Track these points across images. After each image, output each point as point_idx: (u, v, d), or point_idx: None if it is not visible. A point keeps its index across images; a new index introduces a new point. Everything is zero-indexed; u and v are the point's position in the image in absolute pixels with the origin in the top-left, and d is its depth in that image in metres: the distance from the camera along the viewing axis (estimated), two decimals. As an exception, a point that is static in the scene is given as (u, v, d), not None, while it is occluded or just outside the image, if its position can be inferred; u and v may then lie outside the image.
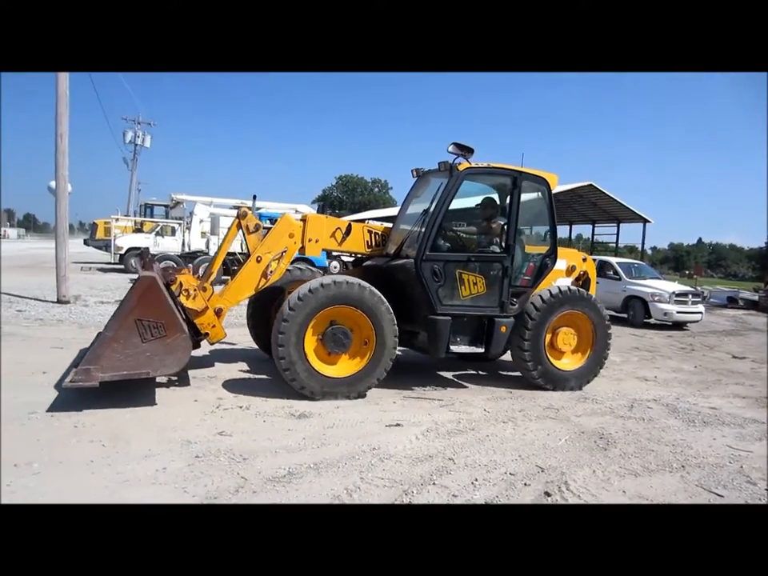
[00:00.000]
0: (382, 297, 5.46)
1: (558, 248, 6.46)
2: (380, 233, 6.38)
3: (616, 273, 14.39)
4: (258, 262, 5.62)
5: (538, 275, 6.27)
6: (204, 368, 6.22)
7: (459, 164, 5.86)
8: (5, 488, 3.12)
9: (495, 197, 6.58)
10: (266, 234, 5.80)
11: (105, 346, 4.48)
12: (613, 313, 14.48)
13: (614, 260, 15.46)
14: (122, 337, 4.50)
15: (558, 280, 6.68)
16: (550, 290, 6.17)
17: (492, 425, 4.88)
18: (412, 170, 6.72)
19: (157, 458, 3.68)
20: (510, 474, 3.81)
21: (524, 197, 6.13)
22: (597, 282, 14.17)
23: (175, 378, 5.61)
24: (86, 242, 26.02)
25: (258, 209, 16.10)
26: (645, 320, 13.57)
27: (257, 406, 4.92)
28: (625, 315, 13.94)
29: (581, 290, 6.40)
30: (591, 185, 25.98)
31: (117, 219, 21.90)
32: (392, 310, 5.47)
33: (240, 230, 5.86)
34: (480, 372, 7.18)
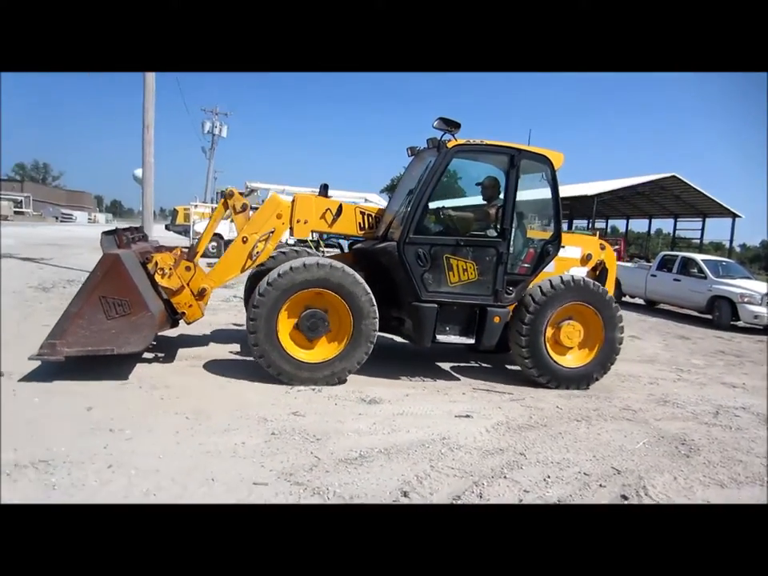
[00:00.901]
0: (358, 277, 5.18)
1: (574, 234, 6.04)
2: (373, 214, 6.10)
3: (701, 271, 13.55)
4: (244, 242, 5.54)
5: (538, 263, 5.80)
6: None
7: (448, 141, 5.48)
8: (102, 450, 3.37)
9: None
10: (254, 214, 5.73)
11: (70, 322, 4.52)
12: (696, 313, 13.75)
13: (698, 257, 14.57)
14: (86, 313, 4.55)
15: (572, 269, 6.22)
16: (551, 281, 5.68)
17: (565, 422, 4.75)
18: (407, 149, 6.39)
19: (236, 432, 3.85)
20: (585, 473, 3.70)
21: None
22: (678, 280, 13.76)
23: (162, 355, 5.78)
24: (167, 227, 27.37)
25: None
26: (732, 322, 12.73)
27: (328, 389, 5.04)
28: (709, 316, 13.14)
29: (588, 280, 5.84)
30: (674, 176, 24.61)
31: (195, 206, 22.83)
32: (370, 292, 5.19)
33: (227, 210, 5.80)
34: (483, 365, 6.88)
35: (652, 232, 39.10)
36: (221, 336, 6.98)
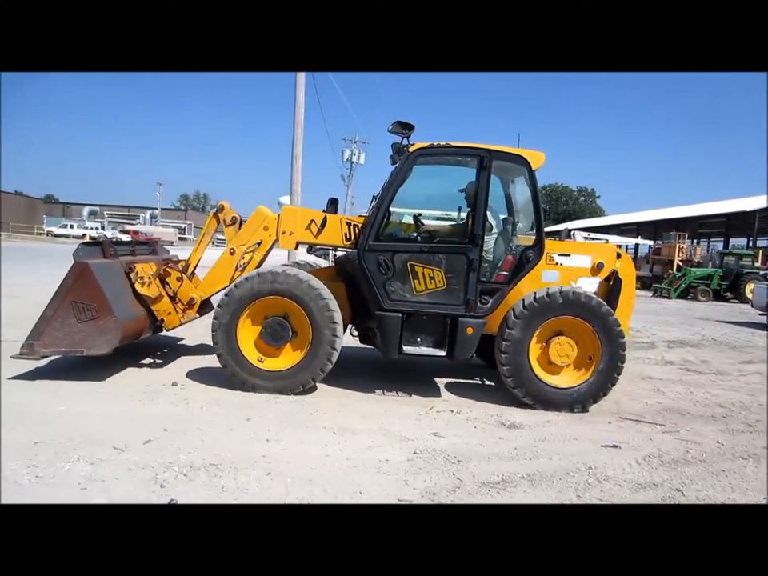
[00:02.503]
0: (315, 284, 5.12)
1: (586, 243, 5.32)
2: (360, 225, 5.80)
3: None
4: (232, 254, 5.78)
5: (516, 270, 5.36)
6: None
7: (411, 144, 5.24)
8: (261, 458, 3.70)
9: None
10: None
11: (45, 324, 4.93)
12: None
13: None
14: (60, 316, 4.94)
15: (580, 280, 5.68)
16: (535, 294, 5.21)
17: (728, 460, 4.31)
18: (390, 157, 6.07)
19: (379, 449, 4.01)
20: (756, 517, 3.34)
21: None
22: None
23: (160, 361, 6.21)
24: (308, 251, 29.22)
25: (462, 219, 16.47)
26: None
27: (467, 411, 5.06)
28: None
29: (579, 292, 5.24)
30: None
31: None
32: (329, 298, 5.10)
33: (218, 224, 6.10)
34: (486, 382, 6.35)
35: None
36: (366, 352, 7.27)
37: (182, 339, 7.56)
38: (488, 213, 5.49)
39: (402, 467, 3.71)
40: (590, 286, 5.68)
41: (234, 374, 5.20)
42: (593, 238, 29.37)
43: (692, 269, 24.75)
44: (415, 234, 5.80)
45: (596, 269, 5.78)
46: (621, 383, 6.56)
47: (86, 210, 65.13)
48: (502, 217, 5.95)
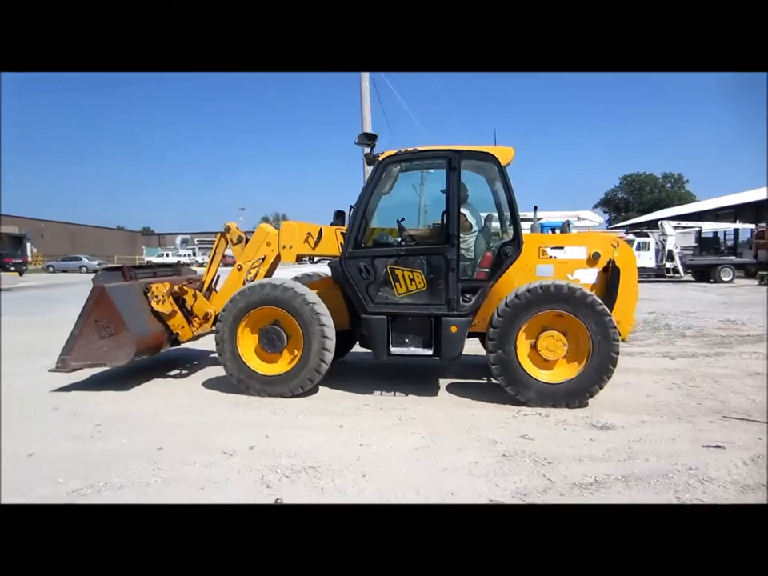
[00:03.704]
0: (303, 292, 5.43)
1: (581, 233, 5.29)
2: None
3: None
4: (239, 270, 6.30)
5: (496, 266, 5.33)
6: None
7: (381, 153, 5.48)
8: (356, 461, 3.88)
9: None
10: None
11: (75, 341, 5.64)
12: None
13: None
14: (86, 334, 5.63)
15: (576, 272, 5.59)
16: (517, 290, 5.16)
17: None
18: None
19: (468, 452, 4.07)
20: None
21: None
22: None
23: (186, 372, 6.26)
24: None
25: (539, 219, 16.12)
26: None
27: (556, 414, 4.99)
28: None
29: (561, 285, 5.07)
30: None
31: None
32: (316, 303, 5.41)
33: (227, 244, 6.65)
34: (493, 381, 5.88)
35: None
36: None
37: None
38: (467, 211, 5.64)
39: (491, 469, 3.75)
40: (587, 277, 5.64)
41: (238, 381, 5.62)
42: (684, 227, 27.72)
43: (804, 252, 22.71)
44: (399, 239, 5.92)
45: (592, 259, 5.66)
46: (725, 380, 6.26)
47: (178, 239, 69.54)
48: (484, 215, 6.02)
